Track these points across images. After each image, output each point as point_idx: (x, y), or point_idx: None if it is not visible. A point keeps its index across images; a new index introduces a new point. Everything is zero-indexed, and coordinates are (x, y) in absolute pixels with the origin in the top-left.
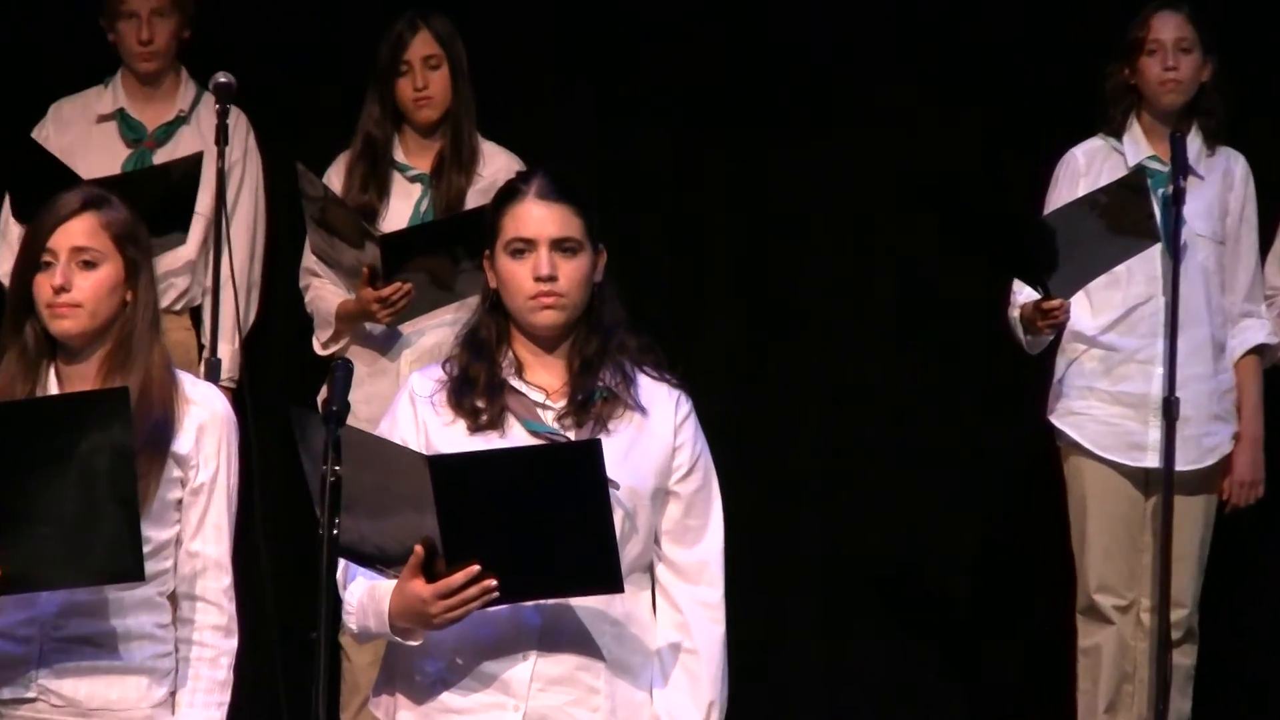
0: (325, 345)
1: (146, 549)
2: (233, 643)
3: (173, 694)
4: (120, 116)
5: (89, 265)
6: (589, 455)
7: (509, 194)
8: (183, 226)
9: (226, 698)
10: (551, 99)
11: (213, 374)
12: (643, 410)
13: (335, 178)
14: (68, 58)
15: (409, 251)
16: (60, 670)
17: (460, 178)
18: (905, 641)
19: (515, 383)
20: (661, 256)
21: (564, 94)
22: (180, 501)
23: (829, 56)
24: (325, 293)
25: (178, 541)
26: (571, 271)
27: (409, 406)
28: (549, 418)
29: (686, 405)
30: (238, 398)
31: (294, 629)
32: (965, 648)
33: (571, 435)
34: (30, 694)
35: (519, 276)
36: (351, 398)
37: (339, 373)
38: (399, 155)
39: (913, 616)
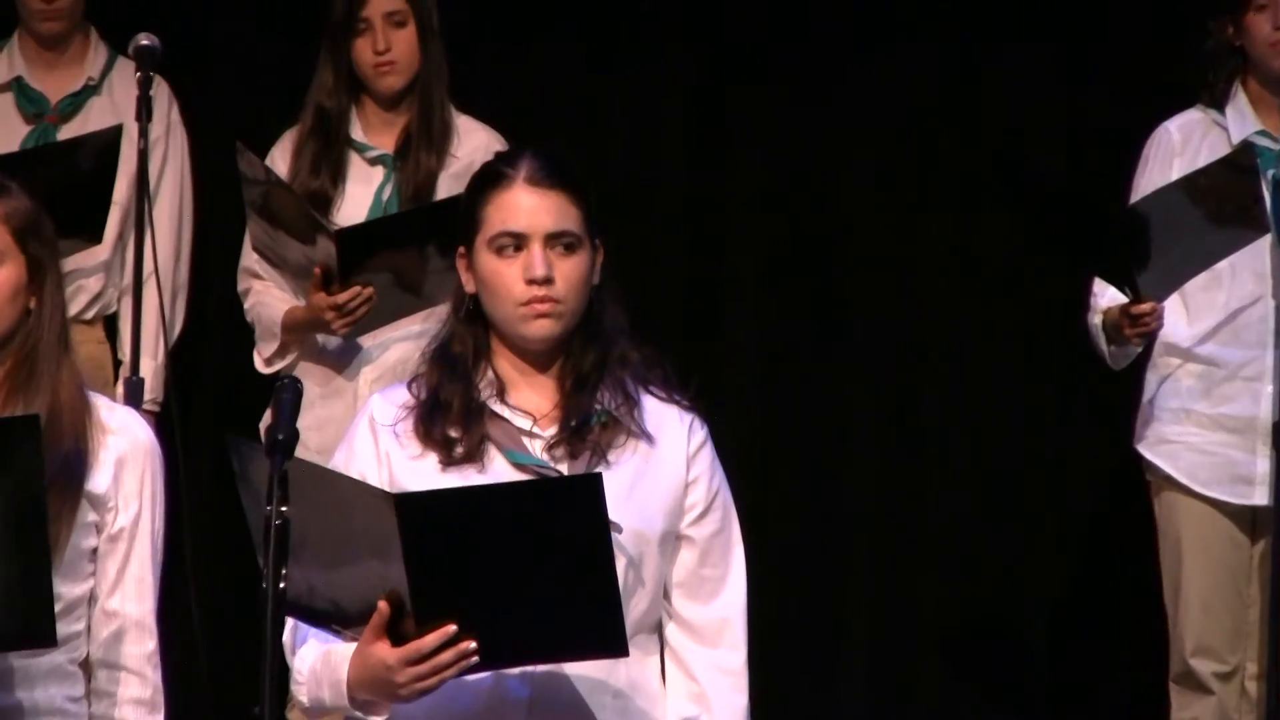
0: (269, 361)
1: (57, 607)
2: (158, 719)
3: None
4: (17, 87)
5: None
6: (586, 492)
7: (492, 179)
8: (97, 222)
9: None
10: (537, 61)
11: (133, 396)
12: (649, 438)
13: (280, 159)
14: None
15: (370, 248)
16: None
17: (430, 158)
18: (968, 711)
19: (497, 407)
20: (672, 250)
21: (551, 54)
22: (95, 551)
23: None
24: (269, 298)
25: (92, 599)
26: (570, 271)
27: (369, 435)
28: (537, 448)
29: (701, 432)
30: (163, 423)
31: (232, 704)
32: (1042, 703)
33: (564, 469)
34: None
35: (507, 279)
36: (301, 424)
37: (286, 394)
38: (357, 132)
39: (976, 681)
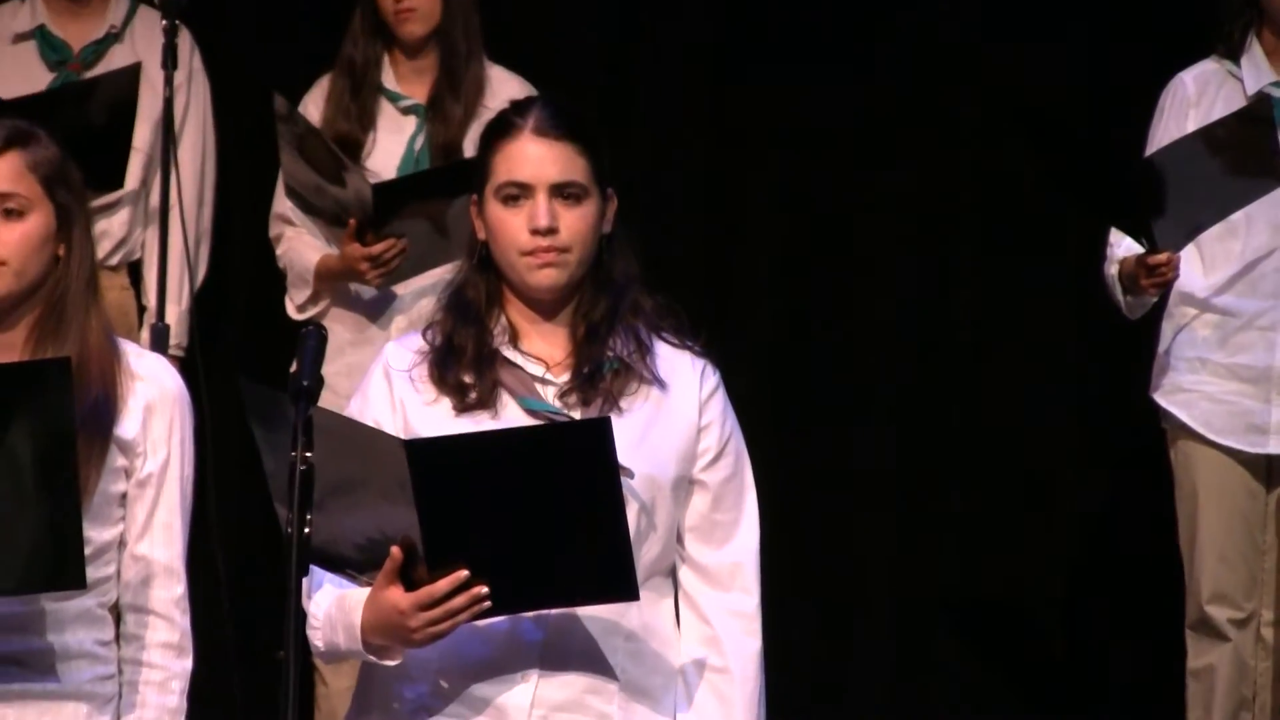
0: (302, 308)
1: (86, 551)
2: (186, 663)
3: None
4: (40, 35)
5: (13, 214)
6: (597, 437)
7: (502, 128)
8: (119, 167)
9: None
10: (569, 16)
11: (158, 341)
12: (661, 384)
13: (313, 108)
14: None
15: (404, 201)
16: None
17: (457, 109)
18: (987, 661)
19: (509, 353)
20: (691, 209)
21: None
22: (124, 496)
23: None
24: (301, 245)
25: (121, 543)
26: (575, 221)
27: (383, 382)
28: (550, 394)
29: (714, 378)
30: (189, 369)
31: (257, 647)
32: (1055, 665)
33: (577, 414)
34: None
35: (512, 228)
36: (331, 369)
37: (310, 341)
38: (389, 81)
39: (995, 632)
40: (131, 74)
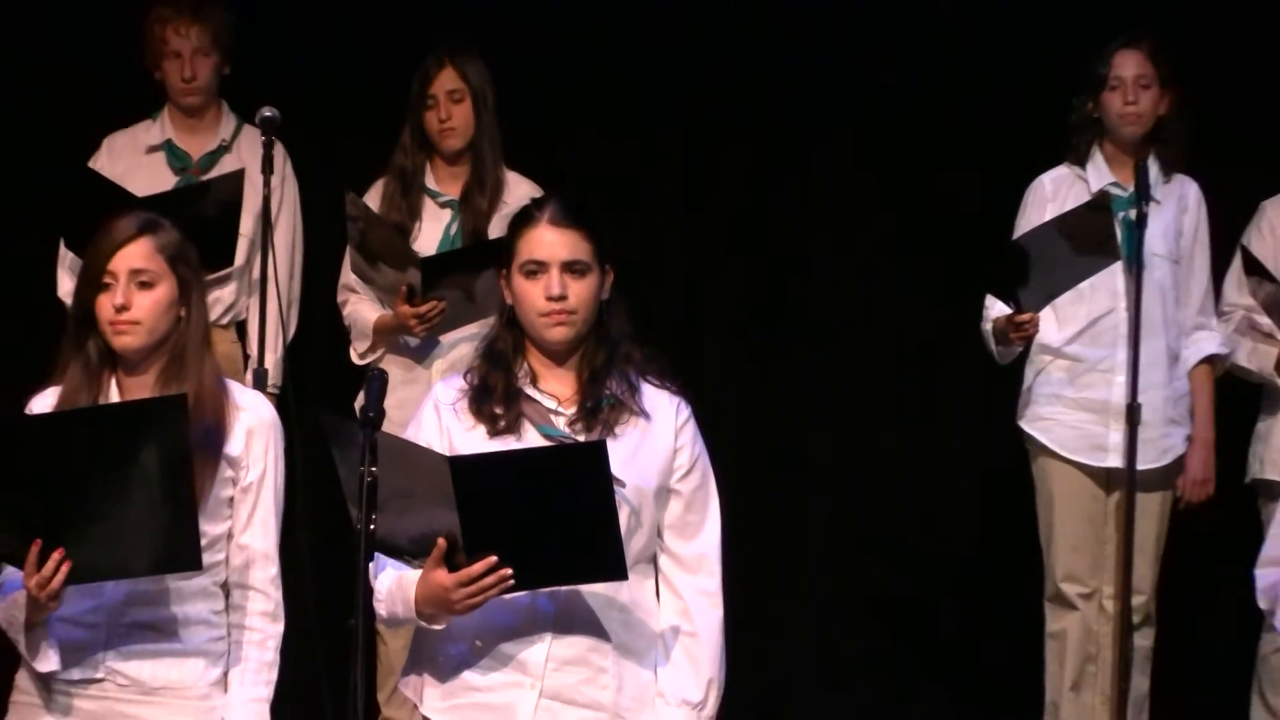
0: (363, 355)
1: (202, 542)
2: (279, 627)
3: (226, 674)
4: (167, 147)
5: (146, 285)
6: (597, 456)
7: (524, 219)
8: (229, 249)
9: (273, 677)
10: (568, 133)
11: (259, 382)
12: (646, 416)
13: (372, 201)
14: (117, 94)
15: (444, 273)
16: (125, 653)
17: (483, 203)
18: (898, 624)
19: (530, 391)
20: (671, 275)
21: (579, 129)
22: (232, 499)
23: (821, 69)
24: (363, 307)
25: (229, 535)
26: (580, 291)
27: (433, 413)
28: (561, 423)
29: (686, 411)
30: (282, 403)
31: (334, 617)
32: (946, 633)
33: (581, 438)
34: (99, 675)
35: (532, 295)
36: (387, 402)
37: (375, 381)
38: (430, 182)
39: (903, 604)
40: (237, 178)
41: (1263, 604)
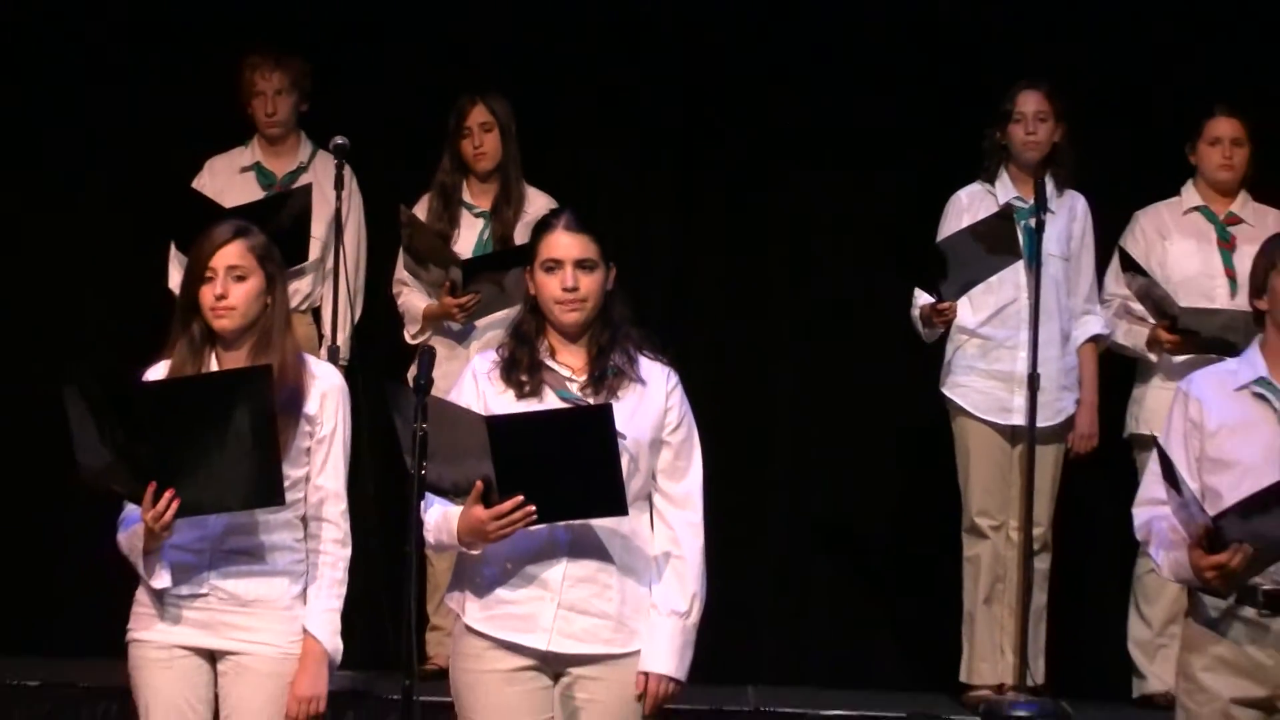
0: (414, 336)
1: (285, 483)
2: (347, 552)
3: (305, 590)
4: (256, 168)
5: (240, 278)
6: (602, 416)
7: (544, 226)
8: (304, 248)
9: (343, 592)
10: (580, 158)
11: (332, 357)
12: (643, 382)
13: (419, 212)
14: (216, 125)
15: (479, 270)
16: (225, 573)
17: (509, 214)
18: (846, 547)
19: (549, 363)
20: (660, 270)
21: (587, 152)
22: (309, 449)
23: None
24: (414, 298)
25: (307, 478)
26: (590, 283)
27: (472, 381)
28: (574, 388)
29: (675, 379)
30: (350, 374)
31: (392, 544)
32: (883, 550)
33: (590, 401)
34: (203, 590)
35: (551, 287)
36: (434, 374)
37: (425, 356)
38: (466, 196)
39: (846, 532)
40: (306, 191)
41: (1139, 536)
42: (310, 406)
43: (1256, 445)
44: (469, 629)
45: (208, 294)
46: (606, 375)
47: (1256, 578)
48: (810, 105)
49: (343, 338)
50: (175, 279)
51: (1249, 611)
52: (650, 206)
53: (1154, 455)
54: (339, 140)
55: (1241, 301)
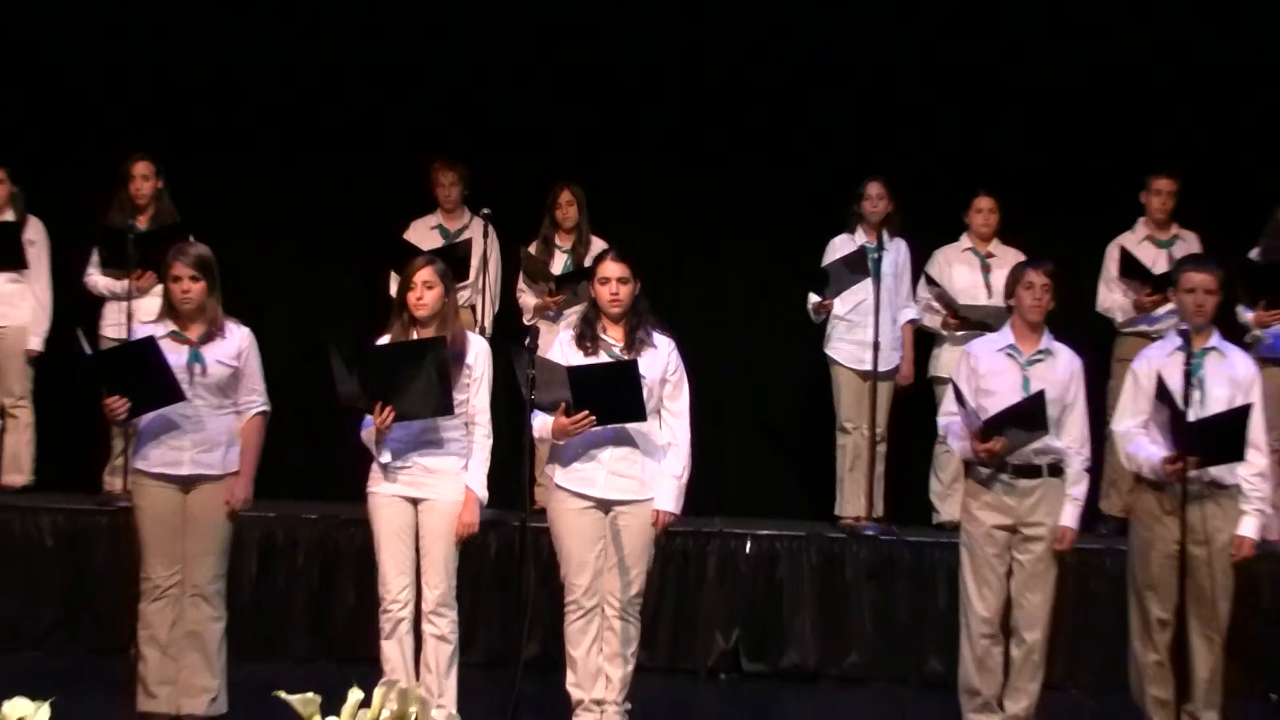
0: (529, 320)
1: (455, 402)
2: (490, 442)
3: (466, 464)
4: (440, 227)
5: (430, 287)
6: (632, 366)
7: (600, 258)
8: (464, 272)
9: (488, 467)
10: (622, 219)
11: (482, 335)
12: (655, 347)
13: (531, 250)
14: (419, 200)
15: (564, 283)
16: (422, 453)
17: (583, 251)
18: (771, 437)
19: (603, 336)
20: (661, 279)
21: (621, 215)
22: (468, 383)
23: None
24: (528, 298)
25: (467, 400)
26: (626, 291)
27: (559, 346)
28: (617, 350)
29: (673, 345)
30: (493, 343)
31: (516, 441)
32: (793, 443)
33: (625, 357)
34: (409, 464)
35: (603, 293)
36: (539, 341)
37: (533, 331)
38: (557, 241)
39: (775, 429)
40: (468, 242)
41: (941, 432)
42: (469, 359)
43: (1006, 382)
44: (557, 485)
45: (412, 297)
46: (635, 343)
47: (1009, 457)
48: (757, 180)
49: (487, 322)
50: (393, 289)
51: (1004, 475)
52: (652, 236)
53: (949, 388)
54: (485, 211)
55: (996, 301)
